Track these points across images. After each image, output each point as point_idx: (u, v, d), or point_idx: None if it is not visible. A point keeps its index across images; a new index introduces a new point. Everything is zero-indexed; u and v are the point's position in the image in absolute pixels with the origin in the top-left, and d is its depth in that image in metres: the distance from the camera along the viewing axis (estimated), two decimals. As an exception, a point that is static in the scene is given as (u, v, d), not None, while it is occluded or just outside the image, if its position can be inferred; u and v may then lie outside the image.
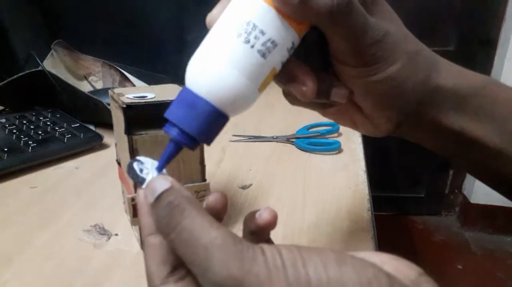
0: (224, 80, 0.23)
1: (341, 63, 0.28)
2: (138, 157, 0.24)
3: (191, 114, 0.23)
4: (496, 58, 1.63)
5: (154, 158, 0.24)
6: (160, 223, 0.21)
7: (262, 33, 0.23)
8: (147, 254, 0.22)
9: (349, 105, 0.31)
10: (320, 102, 0.30)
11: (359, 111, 0.31)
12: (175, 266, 0.21)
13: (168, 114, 0.23)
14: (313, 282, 0.17)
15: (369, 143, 0.68)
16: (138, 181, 0.23)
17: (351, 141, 0.64)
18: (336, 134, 0.66)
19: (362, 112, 0.31)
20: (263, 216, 0.24)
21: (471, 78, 0.31)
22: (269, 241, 0.26)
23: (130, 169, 0.23)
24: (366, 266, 0.18)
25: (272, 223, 0.24)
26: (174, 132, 0.23)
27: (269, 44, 0.23)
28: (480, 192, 1.76)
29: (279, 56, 0.24)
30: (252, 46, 0.23)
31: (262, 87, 0.24)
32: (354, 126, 0.34)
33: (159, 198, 0.21)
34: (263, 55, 0.23)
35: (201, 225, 0.19)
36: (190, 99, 0.23)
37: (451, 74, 0.30)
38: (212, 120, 0.23)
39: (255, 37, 0.23)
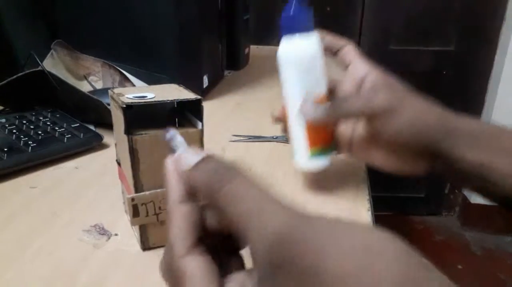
0: None
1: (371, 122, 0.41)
2: (170, 129, 0.25)
3: None
4: (496, 58, 1.63)
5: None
6: (208, 180, 0.21)
7: None
8: (173, 221, 0.22)
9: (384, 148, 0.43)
10: None
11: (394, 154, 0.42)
12: (198, 239, 0.21)
13: None
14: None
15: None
16: (173, 146, 0.24)
17: (351, 141, 0.64)
18: (336, 134, 0.66)
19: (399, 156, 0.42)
20: None
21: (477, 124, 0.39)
22: None
23: (171, 134, 0.25)
24: None
25: None
26: None
27: None
28: (480, 192, 1.76)
29: None
30: None
31: None
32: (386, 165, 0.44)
33: (204, 159, 0.22)
34: None
35: (250, 182, 0.21)
36: None
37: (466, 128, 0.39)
38: None
39: None
